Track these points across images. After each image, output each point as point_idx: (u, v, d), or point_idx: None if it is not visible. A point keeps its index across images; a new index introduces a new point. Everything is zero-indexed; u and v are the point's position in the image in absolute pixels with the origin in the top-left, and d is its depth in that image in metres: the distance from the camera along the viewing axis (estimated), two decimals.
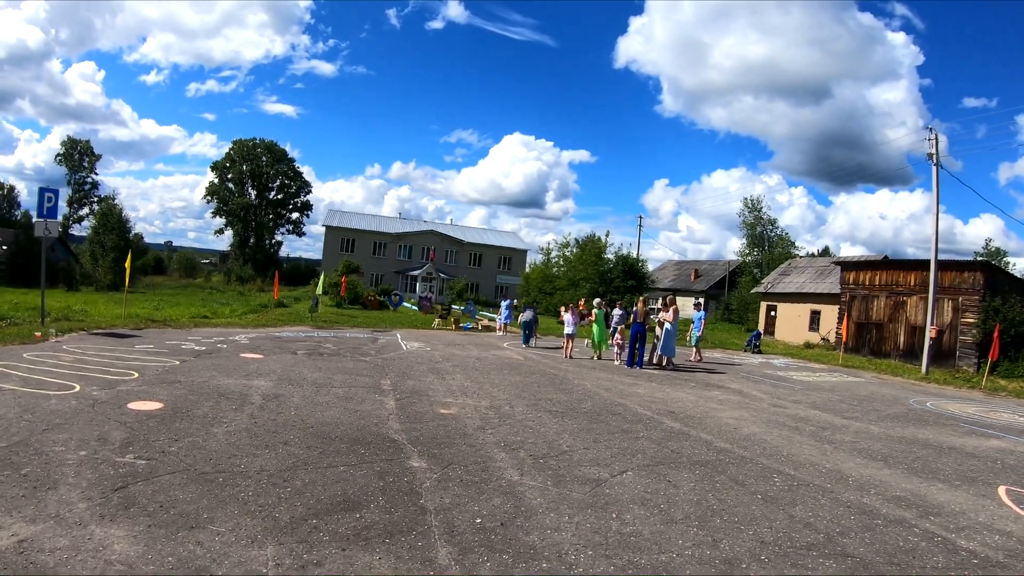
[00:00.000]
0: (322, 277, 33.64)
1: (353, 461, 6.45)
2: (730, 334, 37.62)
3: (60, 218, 75.61)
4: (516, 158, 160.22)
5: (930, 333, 23.10)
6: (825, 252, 57.51)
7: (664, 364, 17.10)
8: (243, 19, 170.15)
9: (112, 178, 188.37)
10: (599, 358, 18.54)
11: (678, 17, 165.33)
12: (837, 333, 29.78)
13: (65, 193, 69.19)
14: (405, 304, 42.14)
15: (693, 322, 20.86)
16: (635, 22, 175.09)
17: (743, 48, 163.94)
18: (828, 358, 25.64)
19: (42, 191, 17.55)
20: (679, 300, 56.78)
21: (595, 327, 18.70)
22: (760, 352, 26.80)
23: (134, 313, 22.13)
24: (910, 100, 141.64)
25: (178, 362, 12.03)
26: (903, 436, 10.20)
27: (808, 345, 32.23)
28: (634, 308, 17.75)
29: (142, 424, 7.31)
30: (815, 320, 34.81)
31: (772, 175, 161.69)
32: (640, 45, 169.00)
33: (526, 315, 22.02)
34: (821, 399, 13.79)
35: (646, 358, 17.37)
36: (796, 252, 54.31)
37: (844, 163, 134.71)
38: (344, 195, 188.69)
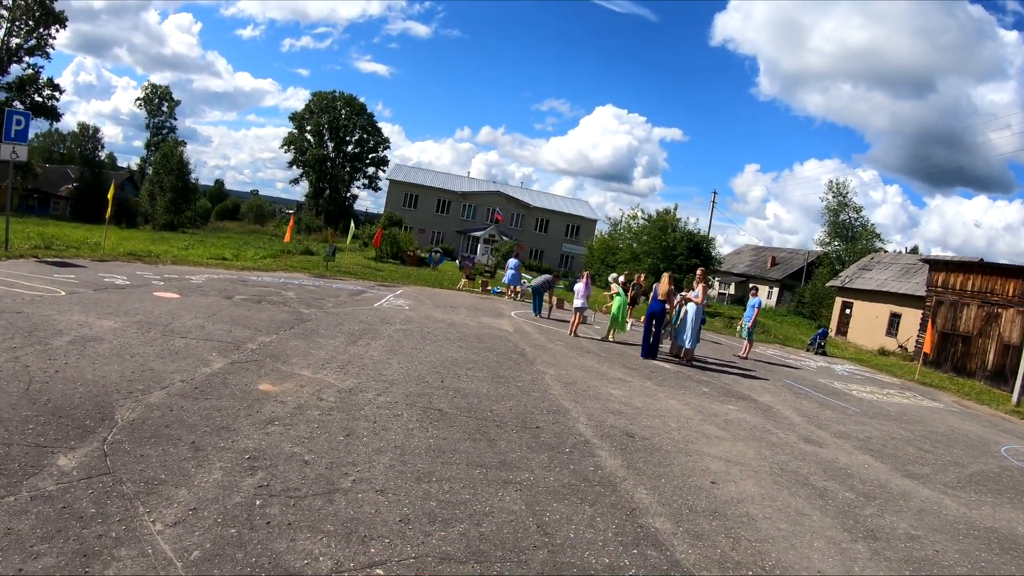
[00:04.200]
0: (351, 227, 31.20)
1: None
2: (798, 329, 32.97)
3: (138, 159, 78.95)
4: (607, 130, 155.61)
5: None
6: (914, 252, 50.51)
7: (682, 356, 12.96)
8: None
9: (205, 127, 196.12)
10: (612, 340, 14.58)
11: None
12: (917, 342, 25.31)
13: (144, 136, 71.36)
14: (463, 263, 39.15)
15: (745, 310, 16.62)
16: None
17: (845, 32, 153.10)
18: (903, 370, 20.94)
19: (10, 113, 16.35)
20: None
21: (616, 303, 14.67)
22: (824, 353, 22.34)
23: (136, 248, 20.85)
24: (1018, 103, 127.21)
25: (63, 293, 10.39)
26: (995, 527, 5.76)
27: (883, 352, 27.71)
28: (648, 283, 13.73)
29: None
30: (894, 324, 29.97)
31: (867, 169, 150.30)
32: (738, 23, 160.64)
33: (538, 280, 18.25)
34: (880, 434, 9.27)
35: (665, 348, 13.33)
36: (881, 247, 47.68)
37: (943, 163, 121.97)
38: (432, 156, 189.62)
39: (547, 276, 18.69)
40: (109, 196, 20.07)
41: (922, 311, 26.71)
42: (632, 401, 8.29)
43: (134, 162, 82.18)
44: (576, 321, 14.67)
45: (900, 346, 28.31)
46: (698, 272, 13.20)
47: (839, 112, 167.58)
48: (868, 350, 28.17)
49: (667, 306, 12.72)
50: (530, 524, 4.10)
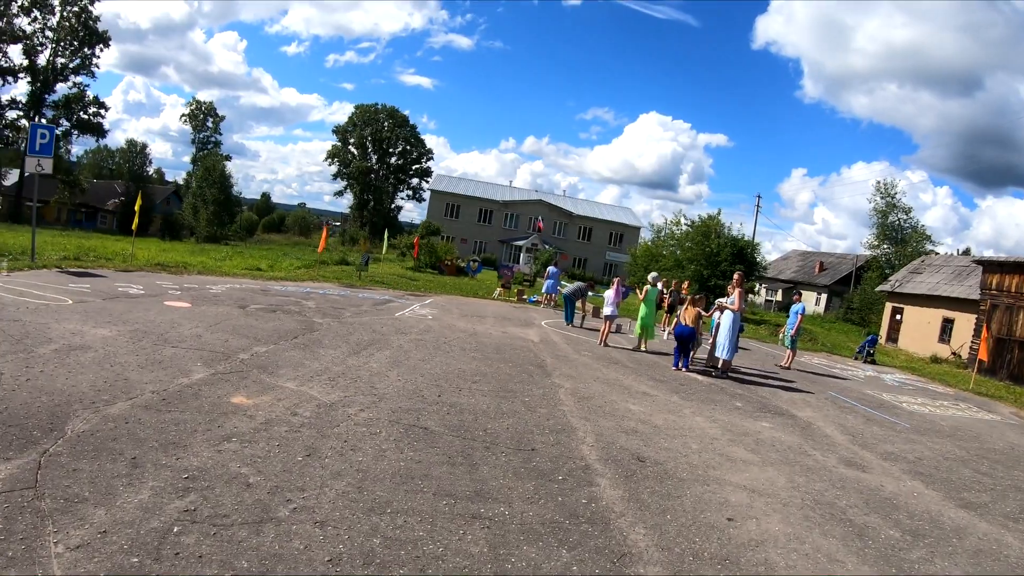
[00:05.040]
0: (386, 236, 30.90)
1: None
2: (847, 336, 31.36)
3: (184, 174, 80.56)
4: (651, 138, 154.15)
5: None
6: (966, 255, 47.93)
7: (716, 368, 11.99)
8: None
9: (253, 142, 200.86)
10: (644, 349, 13.68)
11: None
12: (971, 349, 23.86)
13: (183, 149, 73.25)
14: (502, 272, 38.63)
15: (788, 317, 15.52)
16: (775, 1, 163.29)
17: (888, 31, 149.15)
18: (956, 379, 19.36)
19: (34, 127, 16.86)
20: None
21: (642, 308, 13.75)
22: (874, 362, 20.74)
23: (169, 259, 21.04)
24: None
25: (70, 301, 10.23)
26: None
27: (935, 359, 26.00)
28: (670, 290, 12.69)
29: None
30: (946, 330, 28.24)
31: (916, 171, 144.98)
32: (780, 25, 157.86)
33: (570, 288, 17.45)
34: (932, 454, 8.07)
35: (702, 358, 12.40)
36: (932, 249, 45.25)
37: (993, 162, 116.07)
38: (478, 167, 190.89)
39: (580, 283, 17.88)
40: (136, 207, 20.20)
41: (976, 315, 25.20)
42: (652, 418, 7.44)
43: (182, 177, 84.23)
44: (606, 330, 13.82)
45: (953, 353, 26.70)
46: (734, 277, 12.17)
47: (886, 113, 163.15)
48: (920, 357, 26.60)
49: (696, 330, 11.85)
50: (486, 573, 3.38)
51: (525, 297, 23.70)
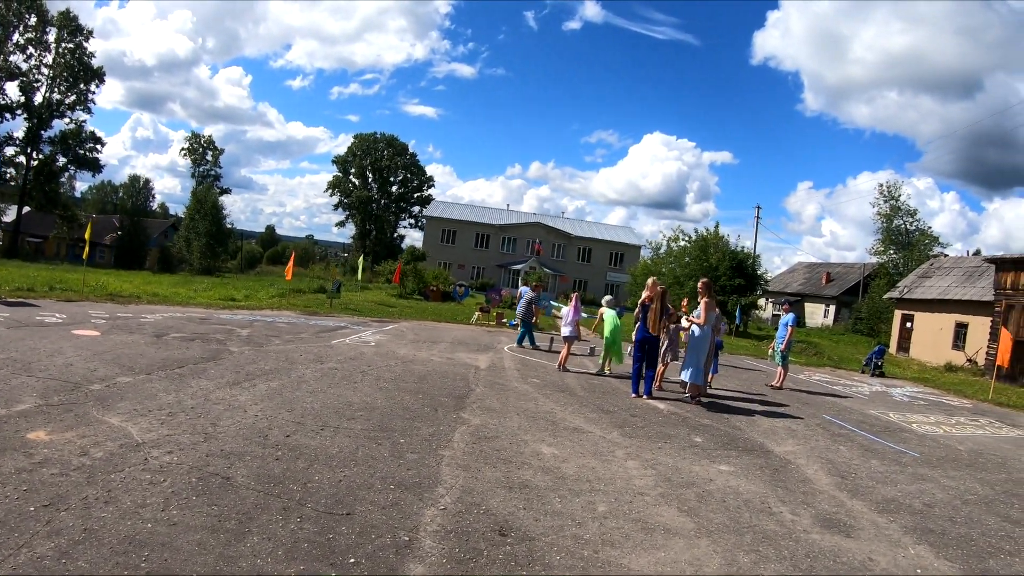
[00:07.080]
0: (360, 261, 29.74)
1: None
2: (856, 348, 29.54)
3: (184, 208, 79.69)
4: (656, 158, 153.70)
5: None
6: (977, 255, 46.00)
7: (687, 393, 10.25)
8: (383, 24, 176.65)
9: (260, 175, 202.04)
10: (608, 373, 12.09)
11: (815, 8, 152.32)
12: (988, 354, 22.62)
13: (190, 184, 72.43)
14: (489, 296, 37.42)
15: (777, 330, 13.86)
16: (771, 16, 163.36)
17: (885, 39, 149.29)
18: (974, 388, 17.73)
19: None
20: (808, 308, 48.29)
21: (607, 329, 12.02)
22: (883, 374, 19.07)
23: (132, 290, 19.90)
24: None
25: None
26: None
27: (949, 367, 24.47)
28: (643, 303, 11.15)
29: None
30: (960, 335, 26.91)
31: (921, 178, 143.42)
32: (777, 40, 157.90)
33: (519, 308, 16.07)
34: (947, 496, 6.23)
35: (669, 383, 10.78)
36: (941, 252, 43.36)
37: (998, 164, 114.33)
38: (484, 194, 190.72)
39: (528, 294, 16.13)
40: (86, 236, 19.37)
41: (991, 318, 23.80)
42: (562, 465, 5.81)
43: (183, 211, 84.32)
44: (566, 353, 12.24)
45: (969, 360, 25.18)
46: (699, 285, 10.51)
47: (888, 121, 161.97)
48: (933, 367, 25.02)
49: (660, 333, 10.22)
50: None
51: (505, 321, 22.34)
